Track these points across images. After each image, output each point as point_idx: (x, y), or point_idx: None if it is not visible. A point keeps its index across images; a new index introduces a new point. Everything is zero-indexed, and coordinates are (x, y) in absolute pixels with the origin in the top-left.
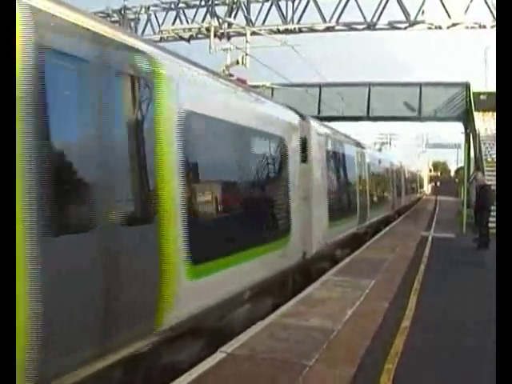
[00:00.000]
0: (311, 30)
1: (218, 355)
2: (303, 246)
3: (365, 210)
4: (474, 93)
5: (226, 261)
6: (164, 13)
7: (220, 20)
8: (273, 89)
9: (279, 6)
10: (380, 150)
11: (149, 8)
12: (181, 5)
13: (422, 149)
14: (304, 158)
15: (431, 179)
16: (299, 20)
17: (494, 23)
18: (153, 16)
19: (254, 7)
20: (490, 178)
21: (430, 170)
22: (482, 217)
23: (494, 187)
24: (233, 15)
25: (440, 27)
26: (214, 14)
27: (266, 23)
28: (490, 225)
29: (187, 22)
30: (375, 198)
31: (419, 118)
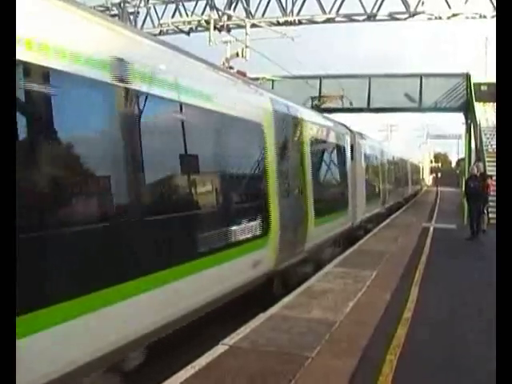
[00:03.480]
0: (311, 21)
1: (220, 348)
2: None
3: None
4: (474, 83)
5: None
6: (163, 6)
7: (219, 12)
8: (273, 81)
9: None
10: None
11: (148, 1)
12: None
13: (423, 140)
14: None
15: (432, 170)
16: (299, 12)
17: (495, 13)
18: (152, 9)
19: None
20: (490, 169)
21: (431, 161)
22: (470, 207)
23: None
24: (232, 7)
25: (440, 18)
26: (213, 7)
27: (266, 15)
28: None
29: (187, 14)
30: None
31: (420, 109)
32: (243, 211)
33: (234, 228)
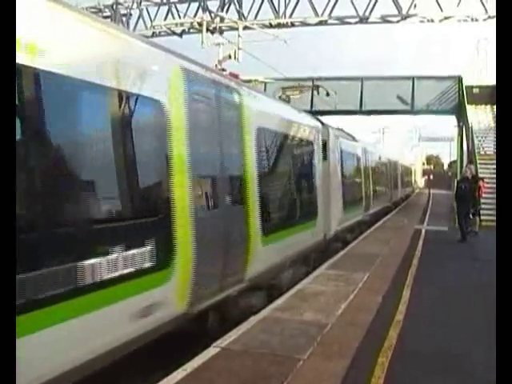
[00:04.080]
0: (303, 23)
1: (212, 350)
2: None
3: None
4: (466, 86)
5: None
6: (156, 8)
7: (212, 14)
8: (266, 83)
9: (271, 0)
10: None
11: (141, 3)
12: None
13: (415, 142)
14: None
15: (424, 172)
16: (291, 14)
17: (486, 16)
18: (145, 11)
19: (247, 1)
20: (482, 171)
21: (424, 164)
22: (459, 209)
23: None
24: (225, 9)
25: (432, 20)
26: (206, 9)
27: (259, 17)
28: (491, 218)
29: (179, 16)
30: None
31: (412, 111)
32: (115, 234)
33: (89, 263)
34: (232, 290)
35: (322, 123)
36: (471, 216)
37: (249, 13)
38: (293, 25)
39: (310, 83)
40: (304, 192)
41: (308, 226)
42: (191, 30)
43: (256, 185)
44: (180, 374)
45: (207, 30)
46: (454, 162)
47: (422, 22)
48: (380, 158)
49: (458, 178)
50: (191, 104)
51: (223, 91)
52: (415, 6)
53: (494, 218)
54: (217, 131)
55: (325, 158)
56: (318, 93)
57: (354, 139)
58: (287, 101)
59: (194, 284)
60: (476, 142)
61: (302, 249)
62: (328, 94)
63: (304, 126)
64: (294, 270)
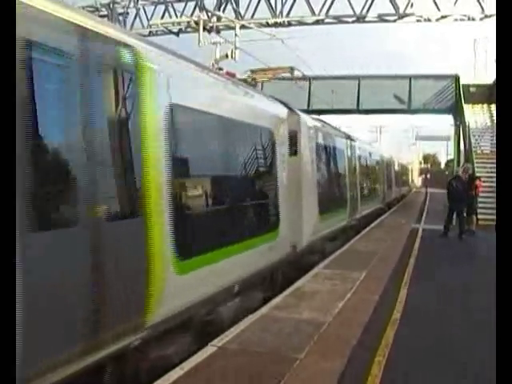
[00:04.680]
0: (300, 23)
1: (209, 349)
2: None
3: None
4: (463, 85)
5: None
6: (153, 7)
7: (209, 13)
8: (262, 82)
9: None
10: None
11: (137, 2)
12: None
13: (412, 141)
14: None
15: (421, 171)
16: (288, 13)
17: (483, 15)
18: (141, 10)
19: (243, 0)
20: (479, 170)
21: (421, 163)
22: (451, 206)
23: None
24: (222, 8)
25: (429, 19)
26: (202, 8)
27: (255, 16)
28: (488, 216)
29: (176, 15)
30: None
31: (409, 111)
32: None
33: None
34: (120, 346)
35: (292, 110)
36: (465, 214)
37: (246, 12)
38: (290, 24)
39: (285, 68)
40: (256, 195)
41: (264, 238)
42: (188, 29)
43: (168, 188)
44: (177, 372)
45: (204, 29)
46: (451, 160)
47: (418, 21)
48: (371, 155)
49: None
50: (32, 60)
51: (100, 45)
52: (412, 4)
53: (491, 216)
54: (80, 103)
55: (294, 152)
56: (292, 74)
57: (348, 136)
58: (253, 85)
59: (27, 351)
60: (473, 140)
61: (256, 268)
62: (305, 79)
63: (258, 110)
64: (244, 297)
